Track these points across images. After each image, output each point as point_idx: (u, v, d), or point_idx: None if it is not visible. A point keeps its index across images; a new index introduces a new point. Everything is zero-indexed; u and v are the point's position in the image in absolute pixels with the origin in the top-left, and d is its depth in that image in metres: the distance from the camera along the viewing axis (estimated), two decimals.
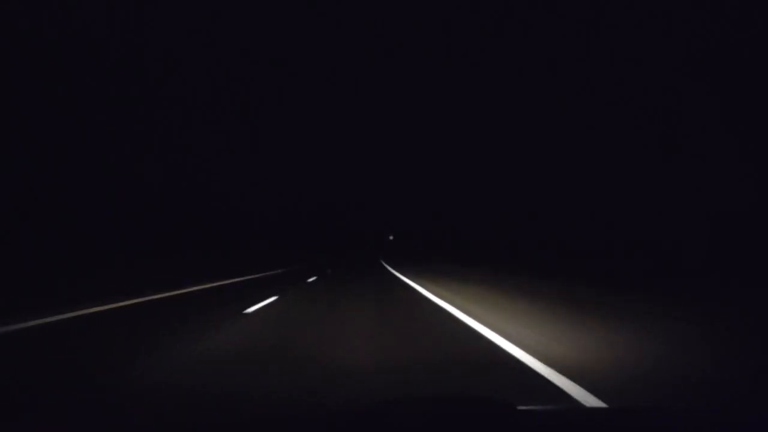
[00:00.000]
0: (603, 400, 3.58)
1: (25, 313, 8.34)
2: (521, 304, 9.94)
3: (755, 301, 9.87)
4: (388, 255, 73.65)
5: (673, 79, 17.99)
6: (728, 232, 14.64)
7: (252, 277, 22.17)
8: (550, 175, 27.63)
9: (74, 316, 8.46)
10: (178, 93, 29.88)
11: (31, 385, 4.15)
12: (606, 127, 21.97)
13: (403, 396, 3.23)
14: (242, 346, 5.67)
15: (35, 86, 19.43)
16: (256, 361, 4.89)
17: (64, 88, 21.53)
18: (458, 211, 53.83)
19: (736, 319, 7.69)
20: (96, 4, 22.98)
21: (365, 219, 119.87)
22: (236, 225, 42.30)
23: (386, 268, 32.09)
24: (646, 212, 19.31)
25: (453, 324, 7.43)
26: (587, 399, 3.64)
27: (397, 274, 23.52)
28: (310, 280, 19.77)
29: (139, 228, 24.06)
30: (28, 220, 19.78)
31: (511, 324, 7.08)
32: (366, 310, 9.44)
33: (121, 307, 9.87)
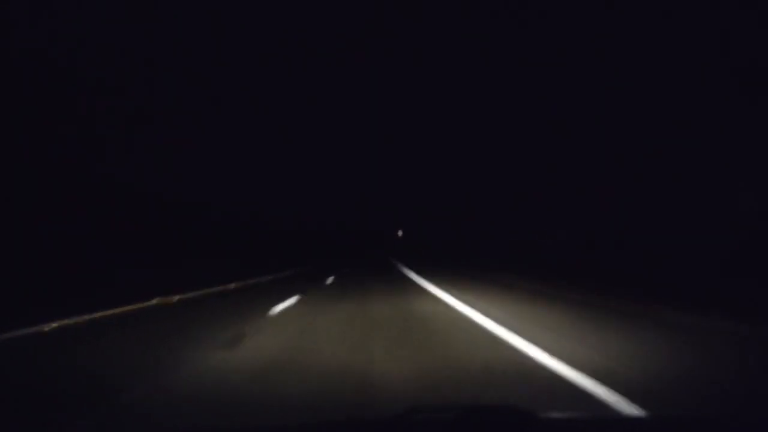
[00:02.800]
0: None
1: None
2: None
3: None
4: (413, 261, 42.58)
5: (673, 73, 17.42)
6: None
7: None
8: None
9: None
10: (176, 94, 29.82)
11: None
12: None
13: (425, 404, 3.30)
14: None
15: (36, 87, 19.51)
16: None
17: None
18: (477, 204, 45.88)
19: None
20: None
21: (364, 215, 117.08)
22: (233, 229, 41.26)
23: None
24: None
25: None
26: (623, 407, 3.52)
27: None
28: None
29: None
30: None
31: None
32: None
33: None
